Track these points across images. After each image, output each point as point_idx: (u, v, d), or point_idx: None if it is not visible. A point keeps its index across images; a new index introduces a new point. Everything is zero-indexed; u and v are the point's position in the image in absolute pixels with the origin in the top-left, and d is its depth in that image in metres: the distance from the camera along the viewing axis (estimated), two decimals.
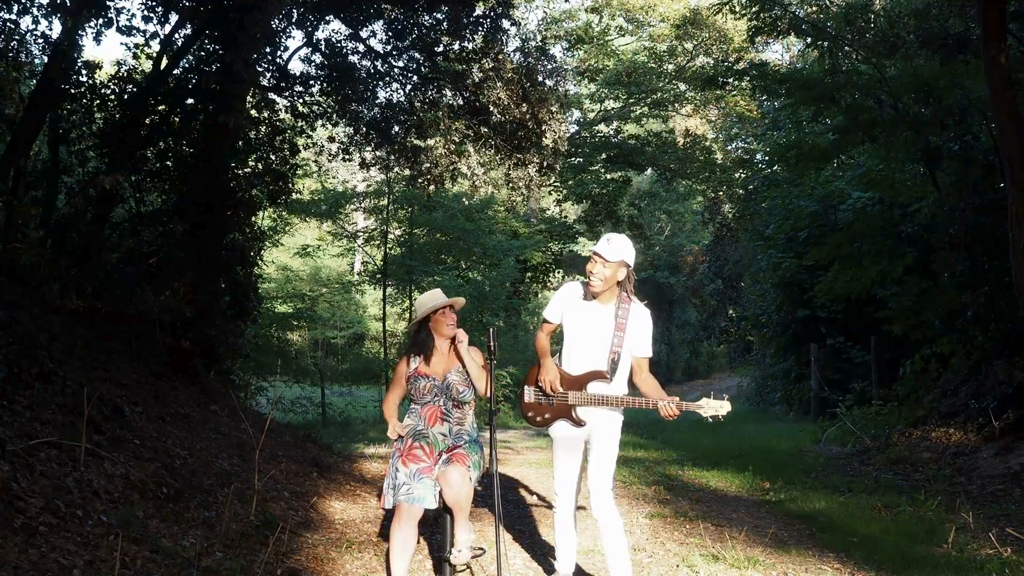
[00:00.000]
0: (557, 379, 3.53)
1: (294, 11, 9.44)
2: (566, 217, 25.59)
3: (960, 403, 8.46)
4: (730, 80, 11.69)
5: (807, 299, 13.43)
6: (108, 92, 8.24)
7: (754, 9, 9.40)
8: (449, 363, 3.87)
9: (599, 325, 3.52)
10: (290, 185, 9.87)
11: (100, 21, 7.57)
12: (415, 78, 10.68)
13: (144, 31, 8.30)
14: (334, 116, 10.34)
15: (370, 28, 10.15)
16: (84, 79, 7.91)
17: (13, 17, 7.47)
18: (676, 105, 22.65)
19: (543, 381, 3.54)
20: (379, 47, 10.32)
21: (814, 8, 11.52)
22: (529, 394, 3.65)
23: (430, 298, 3.90)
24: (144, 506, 3.97)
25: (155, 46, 8.45)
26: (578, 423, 3.52)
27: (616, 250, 3.46)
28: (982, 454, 7.06)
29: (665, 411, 3.42)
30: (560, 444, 3.62)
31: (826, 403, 12.77)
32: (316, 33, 9.92)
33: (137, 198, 8.45)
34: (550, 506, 6.49)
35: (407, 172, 11.56)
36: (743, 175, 21.14)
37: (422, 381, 3.83)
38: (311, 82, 10.09)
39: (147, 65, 8.63)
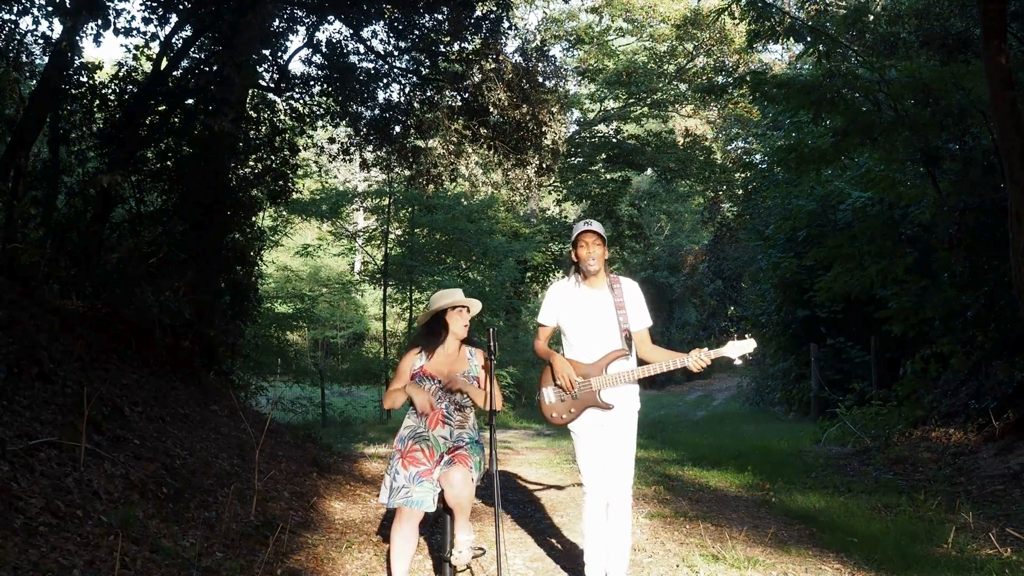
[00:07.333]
0: (573, 373, 3.51)
1: (295, 11, 9.45)
2: (566, 217, 25.61)
3: (960, 403, 8.46)
4: (730, 90, 11.67)
5: (807, 299, 13.44)
6: (108, 92, 8.25)
7: (753, 14, 9.41)
8: (456, 366, 3.86)
9: (601, 309, 3.55)
10: (290, 185, 9.88)
11: (99, 23, 7.58)
12: (415, 79, 10.69)
13: (144, 32, 8.33)
14: (334, 116, 10.35)
15: (371, 28, 10.16)
16: (84, 79, 7.92)
17: (13, 17, 7.49)
18: (676, 105, 22.65)
19: (561, 378, 3.50)
20: (379, 48, 10.34)
21: (813, 9, 11.52)
22: (549, 395, 3.59)
23: (449, 294, 3.90)
24: (144, 506, 3.97)
25: (155, 47, 8.47)
26: (606, 407, 3.49)
27: (602, 229, 3.58)
28: (982, 454, 7.05)
29: (697, 364, 3.47)
30: (583, 437, 3.57)
31: (826, 403, 12.77)
32: (316, 34, 9.94)
33: (137, 198, 8.45)
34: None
35: (407, 172, 11.56)
36: (743, 175, 21.15)
37: (428, 383, 3.82)
38: (311, 82, 10.10)
39: (147, 66, 8.64)
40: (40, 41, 7.67)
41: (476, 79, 10.26)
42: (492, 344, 3.59)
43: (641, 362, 3.59)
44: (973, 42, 8.80)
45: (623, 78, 21.48)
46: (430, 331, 3.90)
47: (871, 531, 4.98)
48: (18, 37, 7.53)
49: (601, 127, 24.04)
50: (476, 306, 3.96)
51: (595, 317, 3.55)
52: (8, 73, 7.56)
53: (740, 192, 22.55)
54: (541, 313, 3.72)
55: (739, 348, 3.51)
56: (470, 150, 11.59)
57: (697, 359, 3.46)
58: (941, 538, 4.69)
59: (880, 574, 4.13)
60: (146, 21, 8.20)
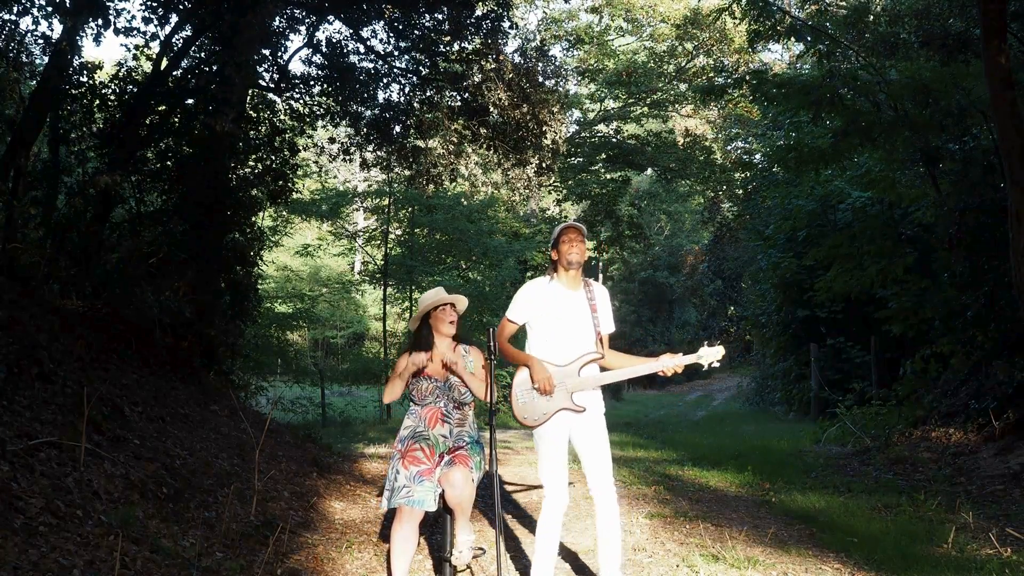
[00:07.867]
0: (552, 377, 3.47)
1: (295, 11, 9.46)
2: (566, 217, 25.62)
3: (960, 403, 8.46)
4: (730, 91, 11.67)
5: (807, 299, 13.44)
6: (108, 92, 8.25)
7: (754, 13, 9.41)
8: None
9: (578, 311, 3.57)
10: (290, 185, 9.88)
11: (99, 22, 7.58)
12: (415, 79, 10.69)
13: (144, 32, 8.33)
14: (334, 116, 10.35)
15: (371, 28, 10.17)
16: (84, 79, 7.92)
17: (13, 17, 7.49)
18: (676, 105, 22.66)
19: (540, 381, 3.46)
20: (379, 47, 10.34)
21: (813, 8, 11.51)
22: (522, 397, 3.55)
23: (432, 295, 3.90)
24: (144, 506, 3.97)
25: (155, 47, 8.47)
26: (579, 409, 3.48)
27: (585, 230, 3.64)
28: (982, 454, 7.06)
29: (668, 370, 3.50)
30: (547, 440, 3.51)
31: (826, 403, 12.78)
32: (316, 34, 9.94)
33: (137, 198, 8.45)
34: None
35: (407, 172, 11.57)
36: (743, 175, 21.16)
37: (424, 382, 3.82)
38: (311, 82, 10.10)
39: (147, 66, 8.64)
40: (40, 41, 7.68)
41: (476, 79, 10.26)
42: (492, 344, 3.59)
43: (602, 367, 3.61)
44: (973, 42, 8.80)
45: (623, 78, 21.49)
46: (420, 336, 3.91)
47: (871, 531, 4.98)
48: (18, 37, 7.54)
49: (601, 127, 24.05)
50: (462, 302, 3.95)
51: (572, 317, 3.55)
52: (8, 73, 7.56)
53: (740, 192, 22.56)
54: (513, 309, 3.64)
55: (710, 355, 3.53)
56: (470, 150, 11.59)
57: (667, 364, 3.48)
58: (941, 538, 4.69)
59: (880, 574, 4.13)
60: (146, 21, 8.20)
